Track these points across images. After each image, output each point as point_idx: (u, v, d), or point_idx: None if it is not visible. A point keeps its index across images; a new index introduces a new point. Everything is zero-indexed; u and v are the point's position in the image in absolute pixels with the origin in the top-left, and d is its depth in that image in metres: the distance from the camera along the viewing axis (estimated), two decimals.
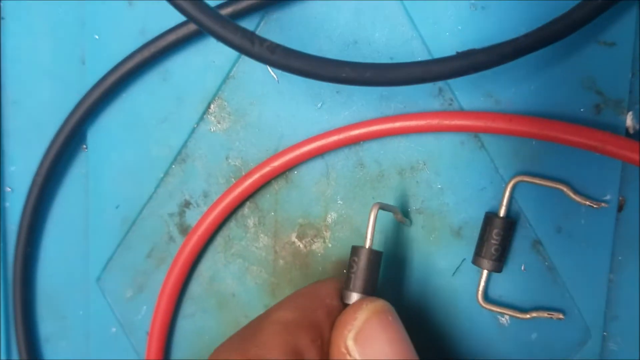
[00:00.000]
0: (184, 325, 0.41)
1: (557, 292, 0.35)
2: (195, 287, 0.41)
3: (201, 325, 0.41)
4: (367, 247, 0.32)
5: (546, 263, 0.35)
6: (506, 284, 0.36)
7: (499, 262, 0.34)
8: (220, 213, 0.38)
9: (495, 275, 0.35)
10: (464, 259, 0.36)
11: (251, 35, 0.27)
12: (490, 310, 0.35)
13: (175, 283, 0.39)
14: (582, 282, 0.35)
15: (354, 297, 0.32)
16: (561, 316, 0.34)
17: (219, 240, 0.40)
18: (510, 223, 0.34)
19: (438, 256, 0.37)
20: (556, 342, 0.35)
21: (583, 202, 0.33)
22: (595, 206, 0.33)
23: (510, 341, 0.36)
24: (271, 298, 0.39)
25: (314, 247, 0.39)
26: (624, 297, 0.35)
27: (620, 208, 0.34)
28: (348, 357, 0.29)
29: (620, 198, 0.34)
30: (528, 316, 0.35)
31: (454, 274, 0.36)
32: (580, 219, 0.34)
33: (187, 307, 0.41)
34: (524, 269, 0.35)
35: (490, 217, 0.34)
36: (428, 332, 0.37)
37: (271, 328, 0.29)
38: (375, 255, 0.32)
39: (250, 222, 0.39)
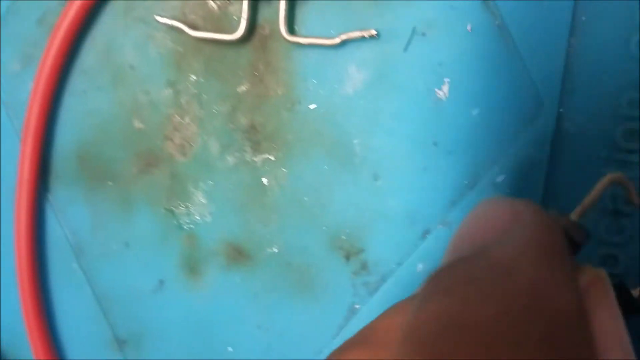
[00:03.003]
0: (72, 104, 0.36)
1: (507, 58, 0.31)
2: (88, 58, 0.36)
3: (93, 106, 0.36)
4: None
5: (497, 22, 0.31)
6: (445, 43, 0.31)
7: None
8: None
9: (440, 34, 0.31)
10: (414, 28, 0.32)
11: None
12: (296, 42, 0.33)
13: (60, 49, 0.35)
14: (537, 45, 0.31)
15: None
16: (373, 32, 0.31)
17: (118, 0, 0.35)
18: None
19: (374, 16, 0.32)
20: (501, 117, 0.31)
21: None
22: None
23: (448, 117, 0.32)
24: (176, 71, 0.35)
25: (230, 8, 0.34)
26: (585, 66, 0.31)
27: None
28: None
29: None
30: (338, 40, 0.32)
31: (405, 49, 0.32)
32: None
33: (78, 83, 0.36)
34: (470, 29, 0.31)
35: None
36: None
37: None
38: None
39: None
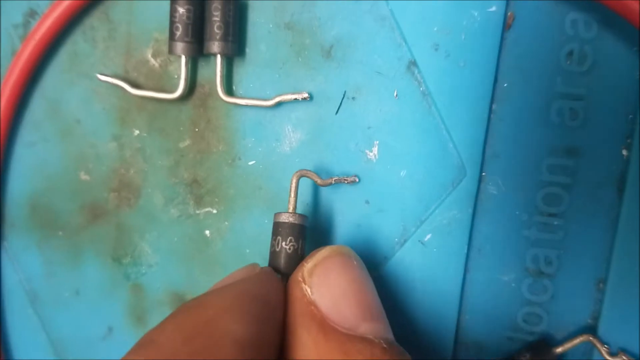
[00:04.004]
0: (23, 155, 0.38)
1: (431, 123, 0.33)
2: (38, 110, 0.38)
3: (42, 157, 0.38)
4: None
5: (421, 89, 0.32)
6: (374, 107, 0.33)
7: (227, 43, 0.33)
8: (62, 15, 0.35)
9: (368, 99, 0.33)
10: (345, 92, 0.33)
11: None
12: (234, 103, 0.35)
13: (11, 99, 0.37)
14: (459, 110, 0.32)
15: None
16: (305, 95, 0.34)
17: (64, 56, 0.37)
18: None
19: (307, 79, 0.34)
20: (427, 179, 0.33)
21: None
22: None
23: (379, 177, 0.34)
24: (120, 126, 0.37)
25: (170, 67, 0.36)
26: (506, 132, 0.32)
27: (508, 25, 0.31)
28: (302, 285, 0.27)
29: (509, 13, 0.31)
30: (272, 102, 0.34)
31: (337, 112, 0.34)
32: (461, 34, 0.31)
33: (28, 134, 0.38)
34: (396, 95, 0.33)
35: None
36: None
37: (226, 349, 0.24)
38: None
39: (100, 35, 0.36)
